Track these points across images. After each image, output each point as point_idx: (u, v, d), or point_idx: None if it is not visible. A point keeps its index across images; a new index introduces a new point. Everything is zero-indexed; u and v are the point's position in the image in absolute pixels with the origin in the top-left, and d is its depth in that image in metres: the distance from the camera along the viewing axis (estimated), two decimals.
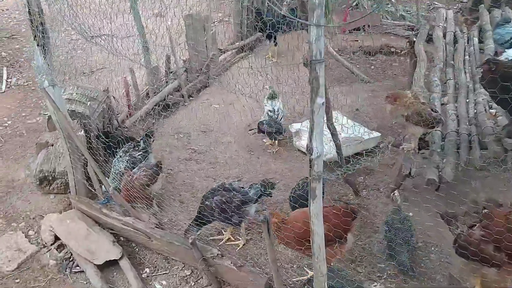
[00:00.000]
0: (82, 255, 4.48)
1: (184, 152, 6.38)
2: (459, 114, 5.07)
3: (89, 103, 5.81)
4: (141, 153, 5.42)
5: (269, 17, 8.57)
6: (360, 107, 7.30)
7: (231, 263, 4.02)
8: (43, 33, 4.29)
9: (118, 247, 4.56)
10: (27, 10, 4.18)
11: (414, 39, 7.01)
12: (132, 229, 4.63)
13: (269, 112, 6.44)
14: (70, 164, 4.93)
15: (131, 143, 5.49)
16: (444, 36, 7.20)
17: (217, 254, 4.10)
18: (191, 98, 7.84)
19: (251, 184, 4.69)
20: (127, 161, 5.31)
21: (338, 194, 5.37)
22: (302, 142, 6.18)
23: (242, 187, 4.56)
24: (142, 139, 5.58)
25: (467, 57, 6.50)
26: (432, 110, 4.44)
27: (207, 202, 4.47)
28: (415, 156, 4.53)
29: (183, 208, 5.26)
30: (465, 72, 6.02)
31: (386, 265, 4.26)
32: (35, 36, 4.31)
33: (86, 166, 5.00)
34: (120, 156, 5.39)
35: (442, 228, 4.75)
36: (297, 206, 4.34)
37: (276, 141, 6.47)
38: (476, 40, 6.87)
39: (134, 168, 5.19)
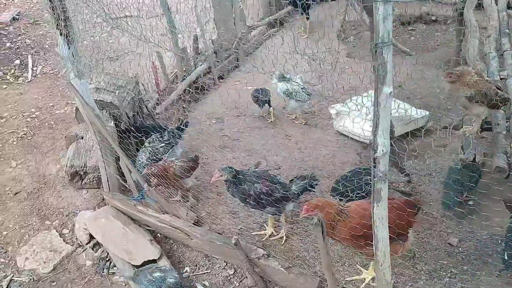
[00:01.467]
0: (119, 256, 4.25)
1: (218, 139, 6.04)
2: None
3: (117, 91, 5.53)
4: (163, 145, 5.11)
5: None
6: (402, 83, 6.78)
7: (278, 264, 3.71)
8: (65, 21, 3.96)
9: (156, 246, 4.30)
10: None
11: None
12: (170, 227, 4.36)
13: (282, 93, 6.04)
14: (102, 159, 4.67)
15: (158, 134, 5.19)
16: (496, 1, 6.55)
17: (263, 255, 3.79)
18: (221, 80, 7.47)
19: (293, 178, 4.31)
20: (149, 153, 5.03)
21: (390, 181, 4.94)
22: (346, 124, 5.76)
23: (286, 184, 4.18)
24: (166, 130, 5.28)
25: None
26: (498, 88, 3.94)
27: (245, 186, 4.12)
28: (478, 140, 4.06)
29: (221, 200, 4.96)
30: None
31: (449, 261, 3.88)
32: (58, 25, 3.99)
33: (119, 160, 4.72)
34: (145, 147, 5.11)
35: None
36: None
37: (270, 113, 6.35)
38: None
39: (156, 160, 4.93)
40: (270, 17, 9.00)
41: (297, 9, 8.51)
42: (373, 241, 2.77)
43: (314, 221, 2.98)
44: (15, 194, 5.22)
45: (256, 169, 4.32)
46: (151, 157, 4.96)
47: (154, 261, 4.20)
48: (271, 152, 5.69)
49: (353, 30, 9.14)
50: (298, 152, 5.65)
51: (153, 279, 3.73)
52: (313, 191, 4.23)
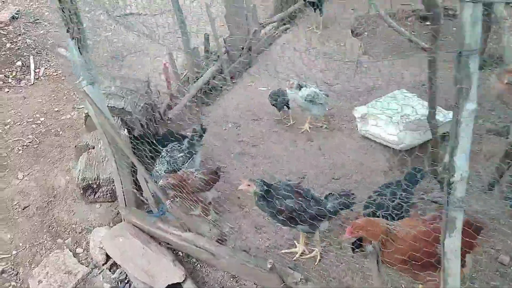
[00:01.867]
0: (139, 279, 3.92)
1: (235, 145, 5.71)
2: None
3: (129, 96, 5.18)
4: (183, 154, 4.77)
5: None
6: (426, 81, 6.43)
7: None
8: (78, 25, 3.60)
9: (181, 267, 3.97)
10: None
11: None
12: (194, 246, 4.03)
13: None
14: (117, 171, 4.32)
15: (176, 143, 4.85)
16: None
17: (301, 279, 3.46)
18: (234, 81, 7.11)
19: (328, 194, 3.96)
20: (167, 163, 4.69)
21: (423, 190, 4.62)
22: (370, 128, 5.43)
23: (321, 199, 3.84)
24: (187, 138, 4.94)
25: None
26: None
27: (276, 202, 3.78)
28: None
29: (245, 213, 4.63)
30: None
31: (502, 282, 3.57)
32: (68, 29, 3.62)
33: (135, 172, 4.39)
34: (162, 157, 4.76)
35: None
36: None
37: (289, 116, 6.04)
38: None
39: (174, 171, 4.59)
40: (280, 14, 8.65)
41: (309, 5, 8.14)
42: (442, 275, 2.45)
43: (369, 249, 2.65)
44: (23, 209, 4.88)
45: (289, 182, 3.98)
46: (169, 168, 4.63)
47: (178, 284, 3.89)
48: (293, 159, 5.36)
49: (367, 26, 8.79)
50: (322, 159, 5.32)
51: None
52: (351, 209, 3.90)
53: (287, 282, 3.45)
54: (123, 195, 4.44)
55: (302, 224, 3.79)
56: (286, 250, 4.12)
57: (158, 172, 4.60)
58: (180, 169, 4.62)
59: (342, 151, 5.45)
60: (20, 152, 5.73)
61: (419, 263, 2.79)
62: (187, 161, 4.71)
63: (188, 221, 4.14)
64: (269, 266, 3.37)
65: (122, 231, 4.27)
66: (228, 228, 4.47)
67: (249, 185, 3.79)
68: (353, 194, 3.90)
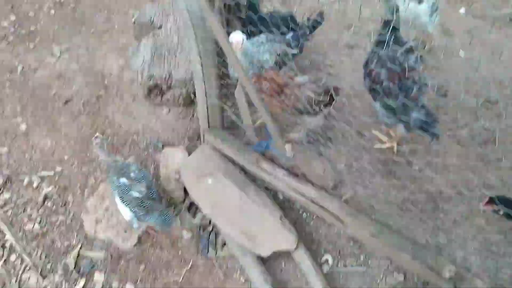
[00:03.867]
0: (235, 240, 2.87)
1: (344, 32, 4.18)
2: None
3: None
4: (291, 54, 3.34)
5: None
6: None
7: None
8: None
9: (291, 229, 2.87)
10: None
11: None
12: (315, 205, 2.85)
13: None
14: (201, 75, 2.89)
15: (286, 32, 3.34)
16: None
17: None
18: None
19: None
20: (276, 58, 3.29)
21: None
22: None
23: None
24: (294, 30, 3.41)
25: None
26: None
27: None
28: None
29: (367, 145, 3.38)
30: None
31: None
32: None
33: (223, 79, 3.01)
34: (262, 43, 3.32)
35: None
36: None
37: None
38: None
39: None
40: None
41: None
42: None
43: None
44: (65, 103, 3.63)
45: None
46: (274, 65, 3.24)
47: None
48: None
49: None
50: (471, 71, 3.82)
51: (119, 184, 2.81)
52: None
53: (445, 275, 2.36)
54: (207, 111, 3.11)
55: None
56: None
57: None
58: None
59: (495, 55, 3.93)
60: (52, 12, 4.23)
61: None
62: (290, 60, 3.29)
63: (306, 167, 2.91)
64: (447, 275, 2.26)
65: (209, 166, 3.04)
66: (344, 165, 3.27)
67: None
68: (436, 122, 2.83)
